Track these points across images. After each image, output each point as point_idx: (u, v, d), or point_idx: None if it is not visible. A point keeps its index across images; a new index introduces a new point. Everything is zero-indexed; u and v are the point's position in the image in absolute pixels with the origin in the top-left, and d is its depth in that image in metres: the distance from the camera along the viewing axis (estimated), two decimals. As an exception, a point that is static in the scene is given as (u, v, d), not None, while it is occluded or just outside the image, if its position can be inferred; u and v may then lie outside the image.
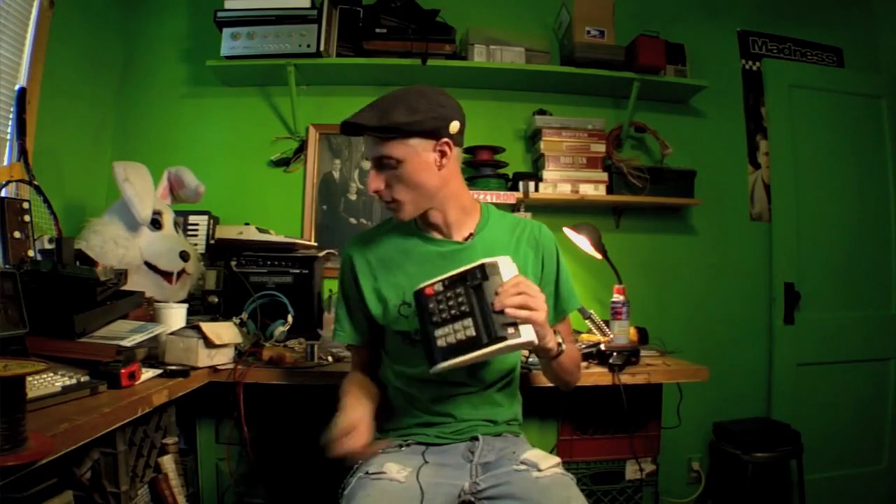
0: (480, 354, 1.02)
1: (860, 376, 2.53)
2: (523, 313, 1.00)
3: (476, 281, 1.03)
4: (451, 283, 1.05)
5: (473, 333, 1.02)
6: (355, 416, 1.10)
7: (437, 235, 1.26)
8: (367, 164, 2.38)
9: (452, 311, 1.04)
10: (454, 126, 1.16)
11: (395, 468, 1.12)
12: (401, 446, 1.23)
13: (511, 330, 1.01)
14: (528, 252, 1.27)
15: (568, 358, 1.21)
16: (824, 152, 2.58)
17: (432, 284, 1.06)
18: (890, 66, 2.68)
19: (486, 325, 1.02)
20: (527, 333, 1.02)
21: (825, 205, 2.56)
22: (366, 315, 1.28)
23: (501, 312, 1.00)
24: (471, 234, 1.25)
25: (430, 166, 1.16)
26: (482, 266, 1.04)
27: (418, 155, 1.14)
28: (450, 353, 1.03)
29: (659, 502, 1.81)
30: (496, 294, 1.01)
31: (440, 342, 1.04)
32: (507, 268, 1.05)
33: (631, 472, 1.72)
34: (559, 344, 1.15)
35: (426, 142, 1.14)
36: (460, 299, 1.04)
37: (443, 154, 1.16)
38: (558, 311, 1.29)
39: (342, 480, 1.19)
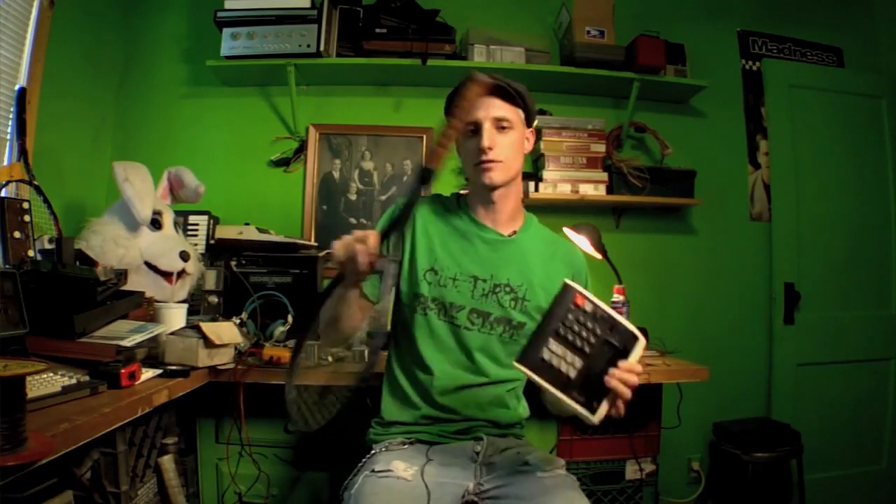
0: (555, 393, 0.98)
1: (860, 376, 2.53)
2: (619, 403, 0.97)
3: (615, 337, 0.99)
4: (599, 317, 0.99)
5: (571, 376, 0.97)
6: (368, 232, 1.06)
7: (485, 221, 1.29)
8: (367, 164, 2.39)
9: (576, 341, 0.98)
10: (536, 122, 1.30)
11: (402, 466, 1.12)
12: (404, 444, 1.23)
13: (594, 403, 0.97)
14: (560, 267, 1.29)
15: None
16: (824, 152, 2.57)
17: (586, 297, 1.00)
18: (890, 66, 2.68)
19: (585, 380, 0.97)
20: (599, 416, 0.98)
21: (825, 205, 2.56)
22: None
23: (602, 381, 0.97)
24: (514, 232, 1.30)
25: (522, 144, 1.27)
26: (632, 333, 0.99)
27: (522, 128, 1.26)
28: (541, 368, 0.97)
29: (659, 502, 1.81)
30: (617, 366, 0.97)
31: (545, 353, 0.98)
32: (639, 350, 1.00)
33: (631, 472, 1.73)
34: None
35: (524, 123, 1.27)
36: (591, 339, 0.98)
37: (528, 140, 1.29)
38: None
39: (344, 480, 1.19)
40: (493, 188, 1.24)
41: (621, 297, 1.74)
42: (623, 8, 2.38)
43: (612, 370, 0.96)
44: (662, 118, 2.48)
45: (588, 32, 2.27)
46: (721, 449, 2.23)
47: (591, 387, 0.97)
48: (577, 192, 2.26)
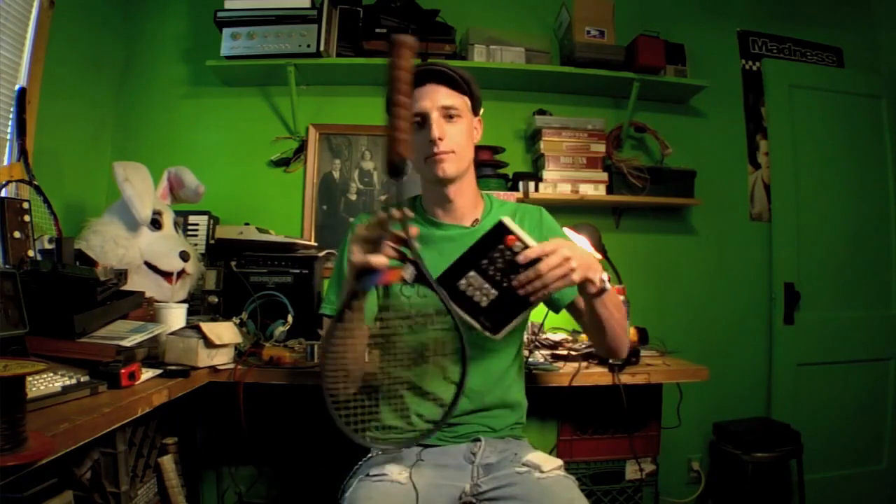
0: (463, 316, 1.02)
1: (860, 376, 2.53)
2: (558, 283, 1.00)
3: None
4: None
5: (482, 304, 1.03)
6: None
7: (444, 220, 1.27)
8: (367, 164, 2.39)
9: (497, 276, 1.02)
10: (481, 112, 1.29)
11: (396, 470, 1.11)
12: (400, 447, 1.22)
13: (499, 327, 1.04)
14: (531, 233, 1.27)
15: (612, 301, 1.14)
16: (824, 152, 2.58)
17: (518, 238, 1.00)
18: (890, 66, 2.68)
19: (496, 308, 1.04)
20: (501, 334, 1.05)
21: (825, 205, 2.56)
22: None
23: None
24: (476, 220, 1.28)
25: (472, 132, 1.26)
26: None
27: (470, 116, 1.25)
28: (454, 295, 1.02)
29: (659, 502, 1.81)
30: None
31: (462, 284, 1.03)
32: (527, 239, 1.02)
33: (631, 472, 1.73)
34: (602, 280, 1.08)
35: (472, 111, 1.26)
36: (513, 276, 1.01)
37: (476, 129, 1.28)
38: None
39: (343, 481, 1.19)
40: (448, 181, 1.21)
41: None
42: (623, 8, 2.38)
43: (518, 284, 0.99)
44: (662, 118, 2.48)
45: (588, 32, 2.27)
46: (721, 449, 2.23)
47: (499, 313, 1.02)
48: (577, 192, 2.26)
